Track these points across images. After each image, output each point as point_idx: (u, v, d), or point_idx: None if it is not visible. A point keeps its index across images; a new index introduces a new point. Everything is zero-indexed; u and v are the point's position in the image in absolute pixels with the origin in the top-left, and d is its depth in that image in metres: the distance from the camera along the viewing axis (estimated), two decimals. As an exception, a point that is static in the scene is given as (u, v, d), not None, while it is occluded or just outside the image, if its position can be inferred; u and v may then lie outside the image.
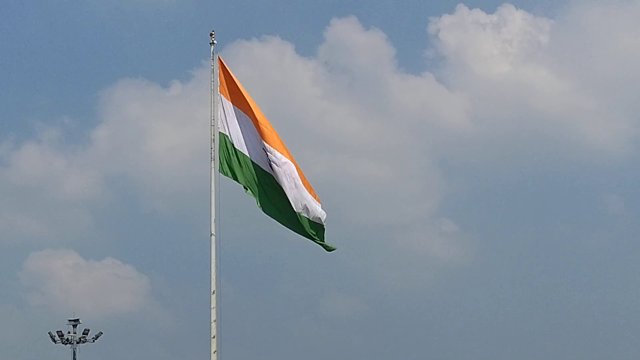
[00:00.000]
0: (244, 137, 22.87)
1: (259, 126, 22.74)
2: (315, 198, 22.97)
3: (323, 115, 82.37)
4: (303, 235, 22.95)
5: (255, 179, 22.73)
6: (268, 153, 22.61)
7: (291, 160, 22.83)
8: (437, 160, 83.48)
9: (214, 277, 21.81)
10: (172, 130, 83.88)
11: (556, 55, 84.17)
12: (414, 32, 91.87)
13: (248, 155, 22.82)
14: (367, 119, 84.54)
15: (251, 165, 22.77)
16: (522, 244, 78.80)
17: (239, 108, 22.96)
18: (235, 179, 22.61)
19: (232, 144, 22.73)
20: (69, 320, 63.66)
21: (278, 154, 22.65)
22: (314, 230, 22.96)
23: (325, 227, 23.05)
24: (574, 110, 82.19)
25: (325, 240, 23.07)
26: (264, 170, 22.77)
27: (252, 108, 22.82)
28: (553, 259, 76.33)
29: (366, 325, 76.05)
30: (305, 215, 22.77)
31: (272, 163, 22.61)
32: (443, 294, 76.95)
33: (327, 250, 23.22)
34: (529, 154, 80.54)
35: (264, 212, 22.84)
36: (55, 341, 63.27)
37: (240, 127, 22.91)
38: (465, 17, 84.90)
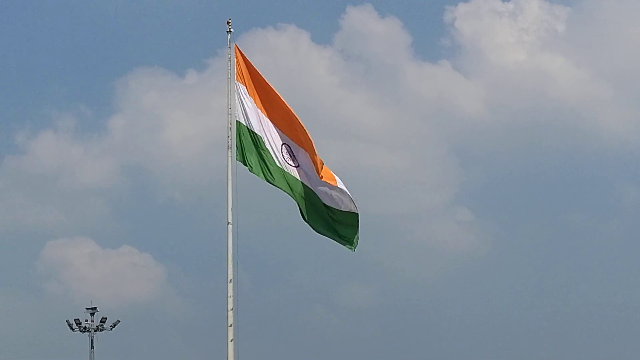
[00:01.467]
0: (267, 136, 22.76)
1: (277, 124, 22.71)
2: (331, 182, 22.71)
3: (339, 104, 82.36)
4: (327, 233, 22.96)
5: (284, 178, 22.66)
6: (284, 155, 22.59)
7: (305, 150, 22.72)
8: (454, 148, 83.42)
9: (231, 265, 21.81)
10: (188, 119, 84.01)
11: (572, 43, 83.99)
12: (430, 21, 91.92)
13: (274, 158, 22.67)
14: (383, 108, 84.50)
15: (277, 167, 22.64)
16: (538, 233, 78.72)
17: (257, 107, 22.82)
18: (251, 169, 22.50)
19: (257, 135, 22.61)
20: (87, 309, 63.83)
21: (295, 160, 22.62)
22: (344, 226, 22.92)
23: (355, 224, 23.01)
24: (590, 99, 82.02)
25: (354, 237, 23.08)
26: (287, 171, 22.72)
27: (272, 98, 22.75)
28: (569, 247, 76.25)
29: (381, 315, 76.13)
30: (337, 208, 22.72)
31: (288, 164, 22.62)
32: (459, 282, 76.93)
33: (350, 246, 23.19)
34: (545, 143, 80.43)
35: (306, 220, 22.85)
36: (72, 329, 63.47)
37: (262, 127, 22.79)
38: (482, 5, 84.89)
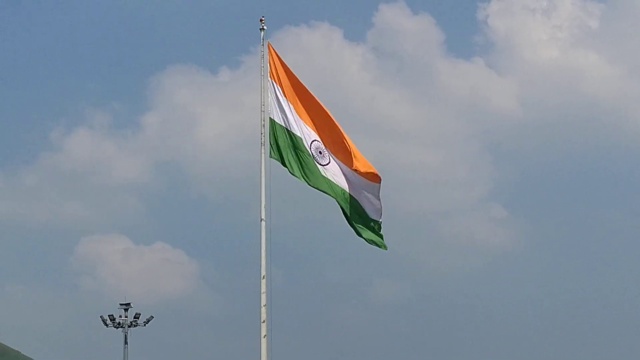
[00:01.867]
0: (303, 136, 22.81)
1: (308, 122, 22.80)
2: (372, 179, 22.84)
3: (372, 101, 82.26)
4: (357, 225, 23.02)
5: (324, 180, 22.72)
6: (313, 153, 22.66)
7: (335, 148, 22.85)
8: (487, 145, 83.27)
9: (264, 262, 21.93)
10: (221, 116, 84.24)
11: (606, 40, 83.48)
12: (462, 18, 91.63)
13: (313, 159, 22.71)
14: (416, 105, 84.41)
15: (317, 169, 22.70)
16: (573, 230, 78.42)
17: (291, 104, 22.86)
18: (286, 165, 22.55)
19: (290, 131, 22.65)
20: (120, 304, 64.15)
21: (326, 157, 22.75)
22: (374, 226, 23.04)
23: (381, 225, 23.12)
24: (625, 96, 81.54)
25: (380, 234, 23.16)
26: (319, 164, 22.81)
27: (303, 96, 22.83)
28: (603, 245, 75.87)
29: (414, 311, 76.11)
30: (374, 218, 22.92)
31: (319, 163, 22.72)
32: (492, 280, 76.77)
33: (377, 245, 23.22)
34: (579, 140, 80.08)
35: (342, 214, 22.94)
36: (106, 325, 63.74)
37: (298, 126, 22.83)
38: (515, 2, 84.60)
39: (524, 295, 74.57)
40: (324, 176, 22.59)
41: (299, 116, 22.88)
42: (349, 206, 22.76)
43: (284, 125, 22.69)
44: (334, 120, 22.92)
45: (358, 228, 22.92)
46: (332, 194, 22.66)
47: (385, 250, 23.25)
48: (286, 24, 78.34)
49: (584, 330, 71.50)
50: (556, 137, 79.94)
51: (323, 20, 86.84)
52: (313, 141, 22.83)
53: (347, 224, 22.97)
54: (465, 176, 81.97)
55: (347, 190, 22.77)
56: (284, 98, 22.82)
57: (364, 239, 23.05)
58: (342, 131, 22.88)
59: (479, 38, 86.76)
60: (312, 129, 22.92)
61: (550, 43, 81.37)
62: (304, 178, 22.53)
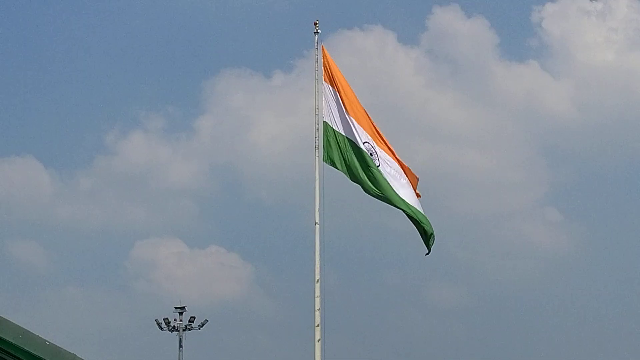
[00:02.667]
0: (355, 131, 22.68)
1: (361, 124, 22.67)
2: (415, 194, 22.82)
3: (426, 104, 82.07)
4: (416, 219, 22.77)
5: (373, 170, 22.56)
6: (370, 152, 22.54)
7: (393, 157, 22.73)
8: (542, 148, 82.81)
9: (318, 265, 21.87)
10: (275, 119, 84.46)
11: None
12: (517, 21, 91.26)
13: (364, 148, 22.55)
14: (471, 108, 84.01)
15: (369, 158, 22.53)
16: (628, 233, 77.75)
17: (346, 109, 22.70)
18: (342, 169, 22.40)
19: (345, 136, 22.53)
20: (175, 308, 64.46)
21: (383, 154, 22.59)
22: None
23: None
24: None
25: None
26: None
27: (354, 102, 22.73)
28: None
29: (469, 315, 75.81)
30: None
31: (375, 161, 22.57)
32: (548, 284, 76.29)
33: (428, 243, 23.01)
34: (635, 142, 79.36)
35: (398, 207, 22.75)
36: (161, 328, 64.10)
37: (350, 123, 22.71)
38: (569, 5, 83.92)
39: (579, 299, 74.07)
40: (390, 186, 22.40)
41: (353, 118, 22.75)
42: (414, 214, 22.57)
43: (344, 134, 22.48)
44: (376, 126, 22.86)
45: (429, 230, 22.71)
46: (399, 206, 22.42)
47: (439, 252, 23.08)
48: (339, 27, 78.40)
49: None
50: (612, 140, 79.33)
51: (376, 24, 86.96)
52: (364, 142, 22.72)
53: (418, 233, 22.70)
54: (521, 179, 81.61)
55: (403, 196, 22.61)
56: (340, 101, 22.67)
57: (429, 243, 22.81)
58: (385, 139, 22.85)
59: (533, 41, 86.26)
60: (364, 130, 22.78)
61: (605, 46, 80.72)
62: (371, 186, 22.30)
